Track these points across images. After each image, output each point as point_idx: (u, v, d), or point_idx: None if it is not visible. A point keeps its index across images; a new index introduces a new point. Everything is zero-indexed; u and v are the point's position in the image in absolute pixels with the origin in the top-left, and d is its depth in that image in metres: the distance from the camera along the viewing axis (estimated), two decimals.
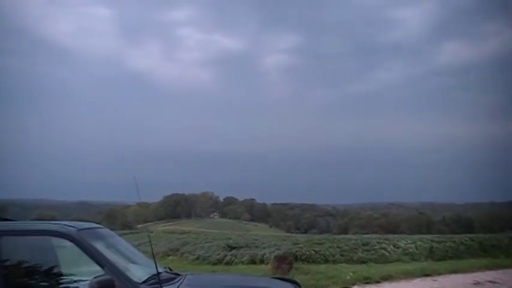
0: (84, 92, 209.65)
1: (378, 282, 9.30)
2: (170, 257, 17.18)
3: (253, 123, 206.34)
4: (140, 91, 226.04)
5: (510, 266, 11.30)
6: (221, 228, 68.44)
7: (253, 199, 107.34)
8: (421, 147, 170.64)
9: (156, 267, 3.17)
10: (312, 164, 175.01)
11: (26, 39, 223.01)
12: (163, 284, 3.05)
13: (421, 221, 71.05)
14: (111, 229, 4.20)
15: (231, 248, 16.36)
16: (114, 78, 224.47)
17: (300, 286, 3.83)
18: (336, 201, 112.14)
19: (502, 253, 13.78)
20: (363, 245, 14.79)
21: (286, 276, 5.30)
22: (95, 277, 2.75)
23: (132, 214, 76.58)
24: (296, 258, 12.95)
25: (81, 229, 3.19)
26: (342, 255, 13.86)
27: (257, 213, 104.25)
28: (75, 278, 3.01)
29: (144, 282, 3.07)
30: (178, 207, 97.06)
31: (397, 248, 14.45)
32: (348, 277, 9.62)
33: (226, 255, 15.24)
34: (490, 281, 9.19)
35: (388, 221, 75.25)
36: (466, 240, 15.38)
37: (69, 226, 3.15)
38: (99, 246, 3.15)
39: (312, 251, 14.02)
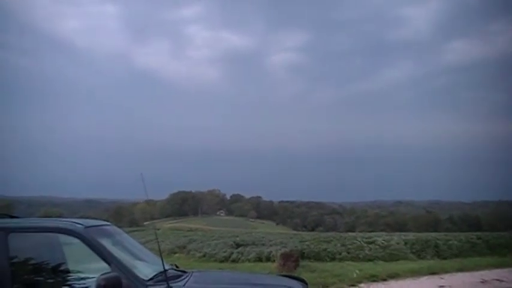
0: (92, 90, 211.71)
1: (384, 280, 9.27)
2: (177, 254, 17.29)
3: (260, 121, 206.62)
4: (147, 89, 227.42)
5: None
6: (228, 225, 68.51)
7: (260, 197, 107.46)
8: (428, 145, 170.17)
9: (163, 265, 3.18)
10: (319, 162, 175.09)
11: (35, 37, 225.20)
12: (170, 281, 3.05)
13: (429, 220, 70.57)
14: (118, 226, 4.21)
15: (238, 245, 16.42)
16: (122, 76, 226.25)
17: (306, 284, 3.80)
18: (343, 199, 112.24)
19: (509, 251, 13.78)
20: (369, 243, 14.75)
21: (292, 274, 5.29)
22: (102, 274, 2.75)
23: (139, 211, 76.95)
24: (303, 256, 12.96)
25: (88, 226, 3.20)
26: (348, 253, 13.84)
27: (264, 210, 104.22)
28: (82, 275, 3.02)
29: (150, 279, 3.07)
30: (185, 205, 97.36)
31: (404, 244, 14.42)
32: (355, 275, 9.59)
33: (232, 253, 15.29)
34: (496, 279, 9.13)
35: (395, 219, 75.04)
36: (473, 239, 15.34)
37: (77, 223, 3.16)
38: (106, 243, 3.16)
39: (319, 249, 14.01)
